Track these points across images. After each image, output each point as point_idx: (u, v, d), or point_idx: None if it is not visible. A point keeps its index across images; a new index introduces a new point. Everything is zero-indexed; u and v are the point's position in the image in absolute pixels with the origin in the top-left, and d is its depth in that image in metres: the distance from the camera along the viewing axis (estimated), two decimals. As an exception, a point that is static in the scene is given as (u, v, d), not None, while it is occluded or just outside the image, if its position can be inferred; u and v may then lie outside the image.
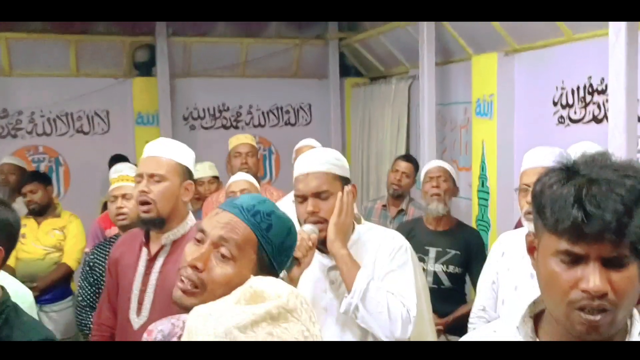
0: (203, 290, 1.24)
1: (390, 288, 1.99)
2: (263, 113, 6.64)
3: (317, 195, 2.01)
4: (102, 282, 2.65)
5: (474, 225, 4.54)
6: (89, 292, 2.73)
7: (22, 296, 2.04)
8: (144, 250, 2.17)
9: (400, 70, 5.94)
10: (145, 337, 1.41)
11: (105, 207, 4.21)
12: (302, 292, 1.94)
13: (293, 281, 1.93)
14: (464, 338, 1.26)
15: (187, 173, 2.20)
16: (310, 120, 6.82)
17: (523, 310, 1.16)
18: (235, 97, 6.52)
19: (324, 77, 6.76)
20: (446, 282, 3.50)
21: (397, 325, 1.93)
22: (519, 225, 3.11)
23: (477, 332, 1.26)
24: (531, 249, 1.13)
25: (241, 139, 4.16)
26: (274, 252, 1.31)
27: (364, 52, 6.34)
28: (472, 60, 4.53)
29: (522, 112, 4.18)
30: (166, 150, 2.17)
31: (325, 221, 2.00)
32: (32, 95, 5.88)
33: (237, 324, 0.77)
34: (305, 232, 1.96)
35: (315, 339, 0.81)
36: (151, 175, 2.13)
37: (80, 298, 2.75)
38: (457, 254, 3.50)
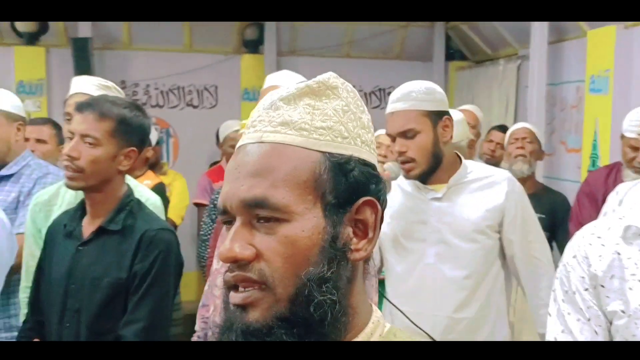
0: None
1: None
2: (365, 94, 6.67)
3: (403, 134, 1.98)
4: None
5: (581, 207, 4.37)
6: (211, 227, 2.93)
7: (153, 203, 2.19)
8: None
9: (508, 52, 5.80)
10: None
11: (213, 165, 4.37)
12: (395, 224, 2.06)
13: None
14: (585, 233, 1.23)
15: None
16: (411, 103, 6.78)
17: None
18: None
19: (428, 60, 6.70)
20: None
21: None
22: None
23: (604, 220, 1.23)
24: None
25: None
26: None
27: (471, 35, 6.23)
28: (587, 36, 4.35)
29: (641, 87, 3.98)
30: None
31: (413, 160, 1.99)
32: (148, 69, 6.19)
33: (281, 97, 0.81)
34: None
35: (355, 116, 0.83)
36: None
37: (202, 232, 2.97)
38: (542, 218, 3.37)
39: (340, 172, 0.78)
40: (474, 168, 2.12)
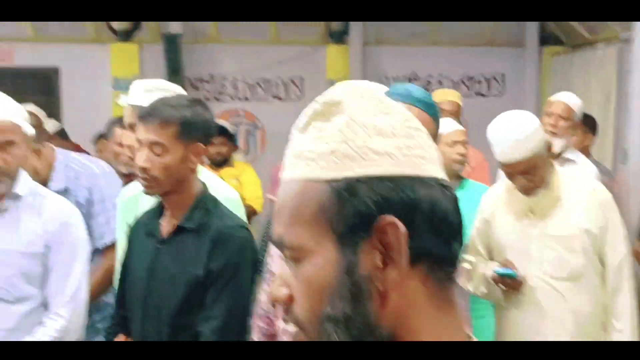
0: None
1: None
2: (453, 82, 6.47)
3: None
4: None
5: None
6: None
7: (232, 199, 2.18)
8: None
9: (608, 35, 5.45)
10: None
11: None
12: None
13: None
14: None
15: None
16: (502, 91, 6.54)
17: None
18: (425, 67, 6.43)
19: (520, 46, 6.42)
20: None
21: None
22: None
23: None
24: None
25: (447, 95, 3.99)
26: None
27: (567, 18, 5.92)
28: (698, 16, 4.01)
29: None
30: None
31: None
32: (235, 62, 6.29)
33: (296, 127, 0.77)
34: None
35: (364, 125, 0.72)
36: None
37: None
38: None
39: (347, 197, 0.70)
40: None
